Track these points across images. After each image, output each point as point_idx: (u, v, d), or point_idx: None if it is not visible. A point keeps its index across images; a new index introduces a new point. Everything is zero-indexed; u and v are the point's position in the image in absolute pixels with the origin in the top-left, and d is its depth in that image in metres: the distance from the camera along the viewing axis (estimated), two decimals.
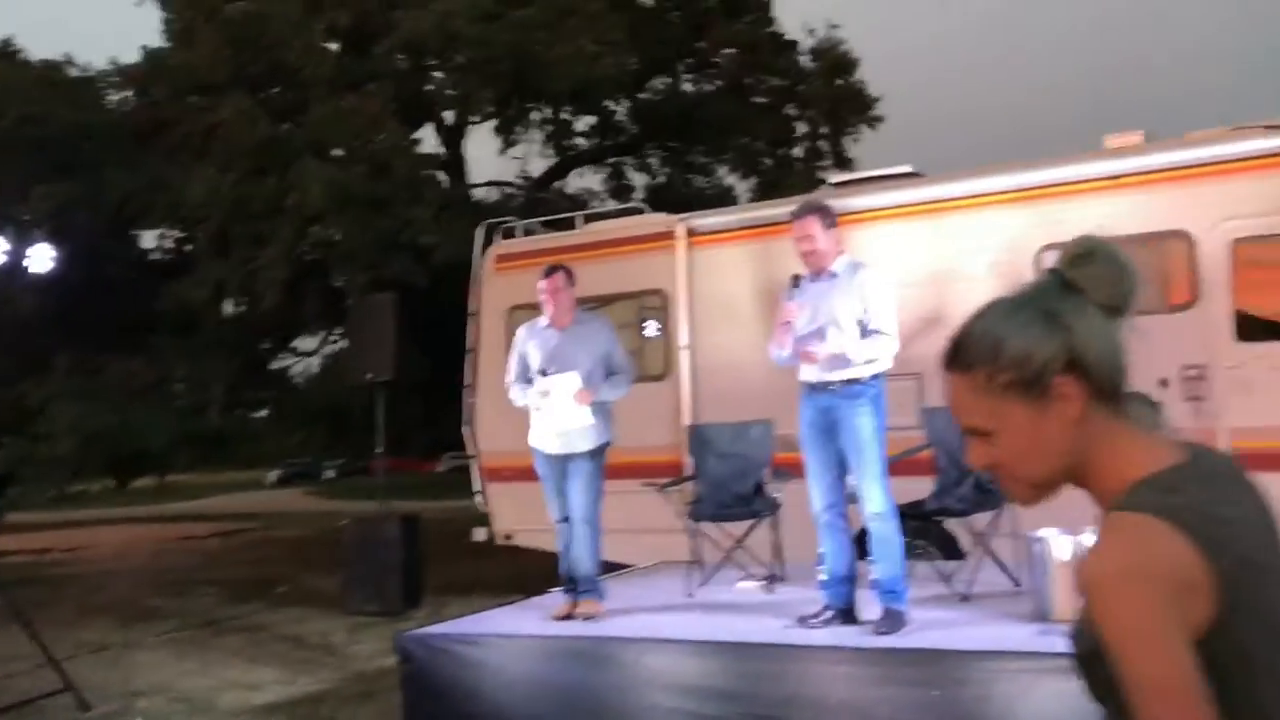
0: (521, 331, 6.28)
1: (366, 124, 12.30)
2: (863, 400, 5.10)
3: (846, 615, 5.23)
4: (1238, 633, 1.37)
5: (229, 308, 16.10)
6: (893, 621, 5.00)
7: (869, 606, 5.20)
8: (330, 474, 62.03)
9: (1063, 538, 5.02)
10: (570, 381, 5.88)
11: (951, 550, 7.03)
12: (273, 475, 60.34)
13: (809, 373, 5.24)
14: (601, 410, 5.98)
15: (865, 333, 5.11)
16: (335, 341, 19.55)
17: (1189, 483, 1.47)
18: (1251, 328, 7.21)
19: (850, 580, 5.26)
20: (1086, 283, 1.53)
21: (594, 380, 5.93)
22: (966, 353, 1.57)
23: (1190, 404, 7.27)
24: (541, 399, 5.94)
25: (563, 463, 6.02)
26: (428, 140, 17.39)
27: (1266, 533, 1.50)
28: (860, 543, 5.41)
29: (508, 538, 9.97)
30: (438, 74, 14.53)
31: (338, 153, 12.56)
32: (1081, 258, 1.56)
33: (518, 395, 6.15)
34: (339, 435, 59.71)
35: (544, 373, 5.98)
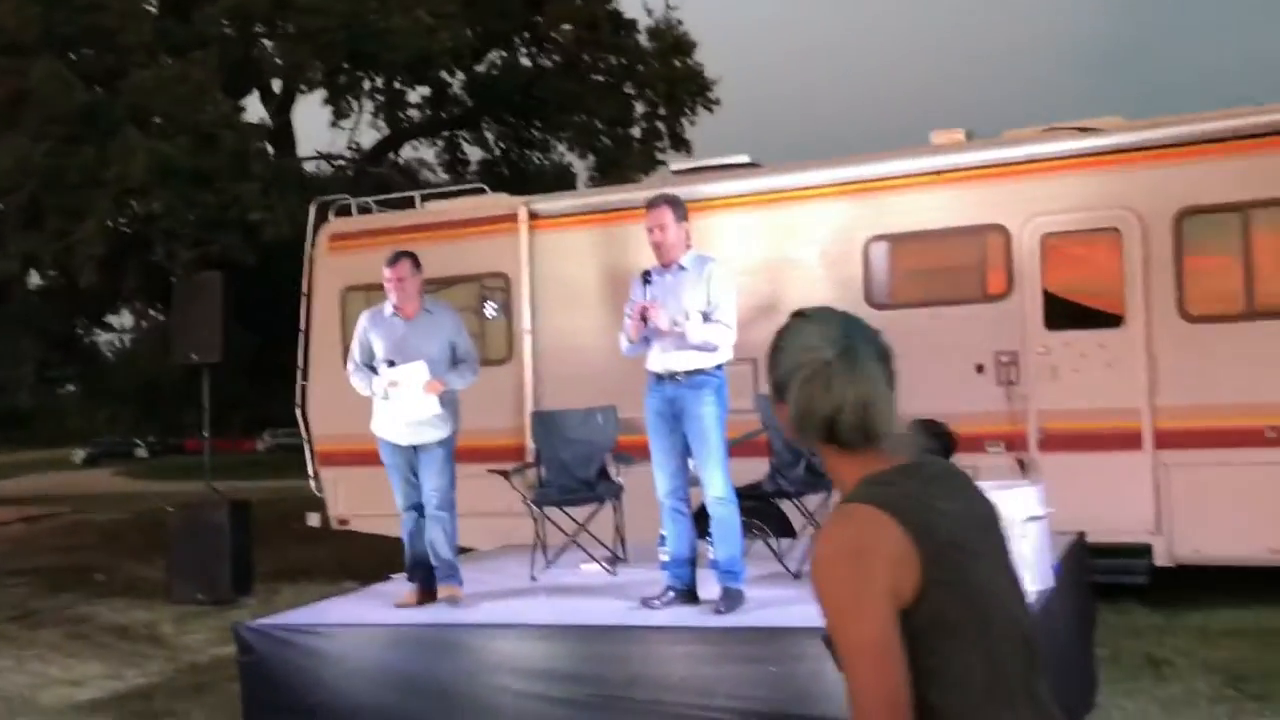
0: (364, 318, 6.17)
1: (191, 93, 11.77)
2: (707, 390, 5.26)
3: (688, 595, 5.40)
4: (939, 603, 1.63)
5: (37, 280, 15.22)
6: (731, 600, 5.20)
7: (709, 586, 5.37)
8: (142, 453, 59.40)
9: None
10: (419, 372, 5.84)
11: (786, 529, 7.31)
12: (80, 454, 57.36)
13: (656, 363, 5.36)
14: (450, 399, 5.96)
15: (708, 320, 5.27)
16: (152, 319, 18.68)
17: (907, 479, 1.75)
18: (1059, 317, 7.74)
19: (691, 562, 5.43)
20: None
21: (441, 370, 5.91)
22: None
23: (1003, 388, 7.77)
24: (389, 389, 5.88)
25: (411, 452, 5.98)
26: (253, 109, 16.79)
27: (979, 524, 1.80)
28: (700, 524, 5.59)
29: (343, 523, 9.84)
30: (266, 42, 13.99)
31: (159, 122, 11.97)
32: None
33: (360, 384, 6.06)
34: (150, 412, 57.35)
35: (390, 363, 5.92)
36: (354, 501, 9.67)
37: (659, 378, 5.36)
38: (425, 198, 10.19)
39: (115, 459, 54.83)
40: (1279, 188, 7.20)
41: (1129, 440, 7.47)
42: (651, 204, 5.43)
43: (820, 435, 1.82)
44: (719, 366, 5.33)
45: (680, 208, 5.39)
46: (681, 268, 5.35)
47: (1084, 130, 7.76)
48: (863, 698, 1.62)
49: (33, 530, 18.84)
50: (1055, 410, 7.66)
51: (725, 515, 5.32)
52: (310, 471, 10.03)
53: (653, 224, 5.36)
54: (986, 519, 1.83)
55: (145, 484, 33.22)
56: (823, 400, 1.80)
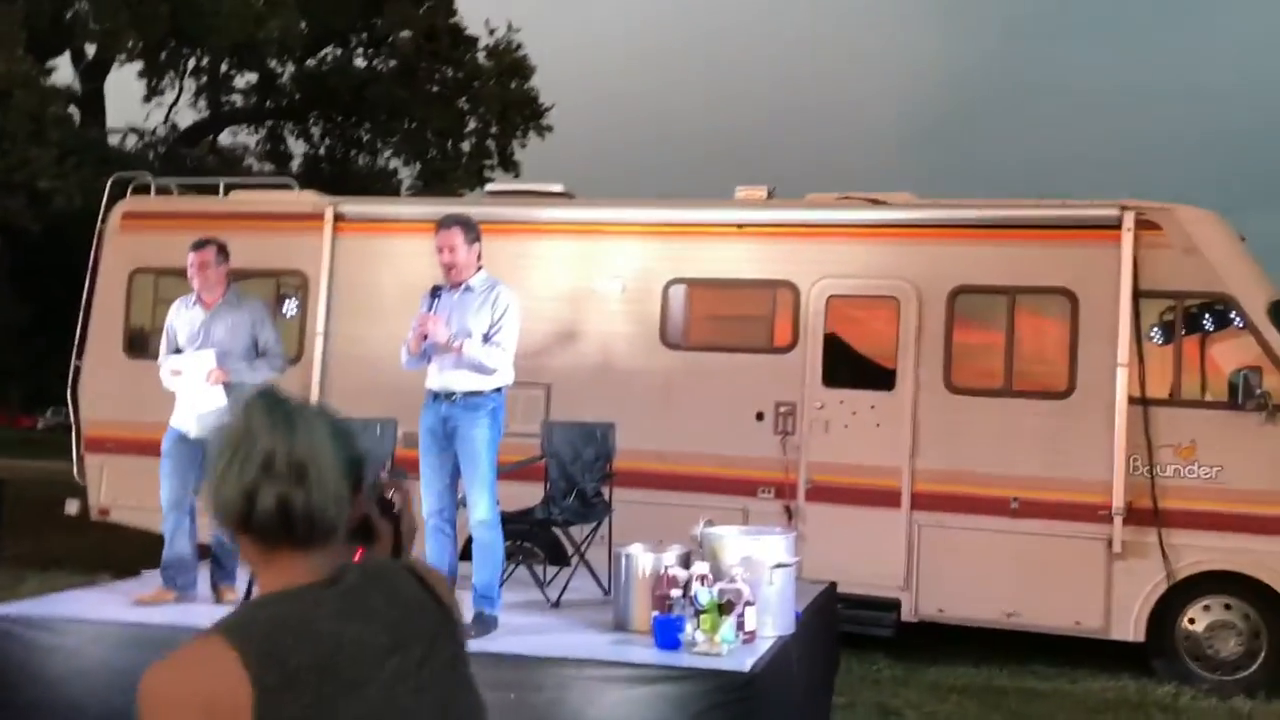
0: (173, 307, 6.04)
1: None
2: (482, 413, 5.29)
3: None
4: None
5: None
6: (483, 625, 5.22)
7: (464, 610, 5.39)
8: None
9: (646, 554, 5.44)
10: (204, 360, 5.70)
11: (558, 555, 7.39)
12: None
13: (434, 380, 5.37)
14: (239, 393, 5.82)
15: (486, 344, 5.31)
16: None
17: (295, 600, 1.50)
18: (837, 374, 8.12)
19: (450, 583, 5.43)
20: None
21: (236, 361, 5.77)
22: None
23: (780, 437, 8.08)
24: (173, 377, 5.71)
25: (197, 446, 5.78)
26: (63, 71, 15.96)
27: (391, 644, 1.54)
28: (466, 547, 5.61)
29: (104, 513, 9.40)
30: (84, 2, 13.35)
31: None
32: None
33: (164, 374, 5.88)
34: None
35: (179, 350, 5.76)
36: (118, 491, 9.25)
37: (435, 395, 5.37)
38: (231, 187, 9.89)
39: None
40: (1042, 276, 7.78)
41: (889, 498, 7.88)
42: (443, 224, 5.45)
43: (234, 519, 1.52)
44: (497, 390, 5.38)
45: (472, 229, 5.42)
46: (469, 288, 5.39)
47: (876, 202, 8.19)
48: None
49: None
50: (825, 462, 8.02)
51: (487, 539, 5.35)
52: (75, 455, 9.54)
53: (443, 244, 5.38)
54: (411, 635, 1.58)
55: None
56: (244, 460, 1.51)
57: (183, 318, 5.92)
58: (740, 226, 8.32)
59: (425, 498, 5.43)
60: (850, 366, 8.23)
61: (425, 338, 5.29)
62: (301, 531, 1.52)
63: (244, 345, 5.88)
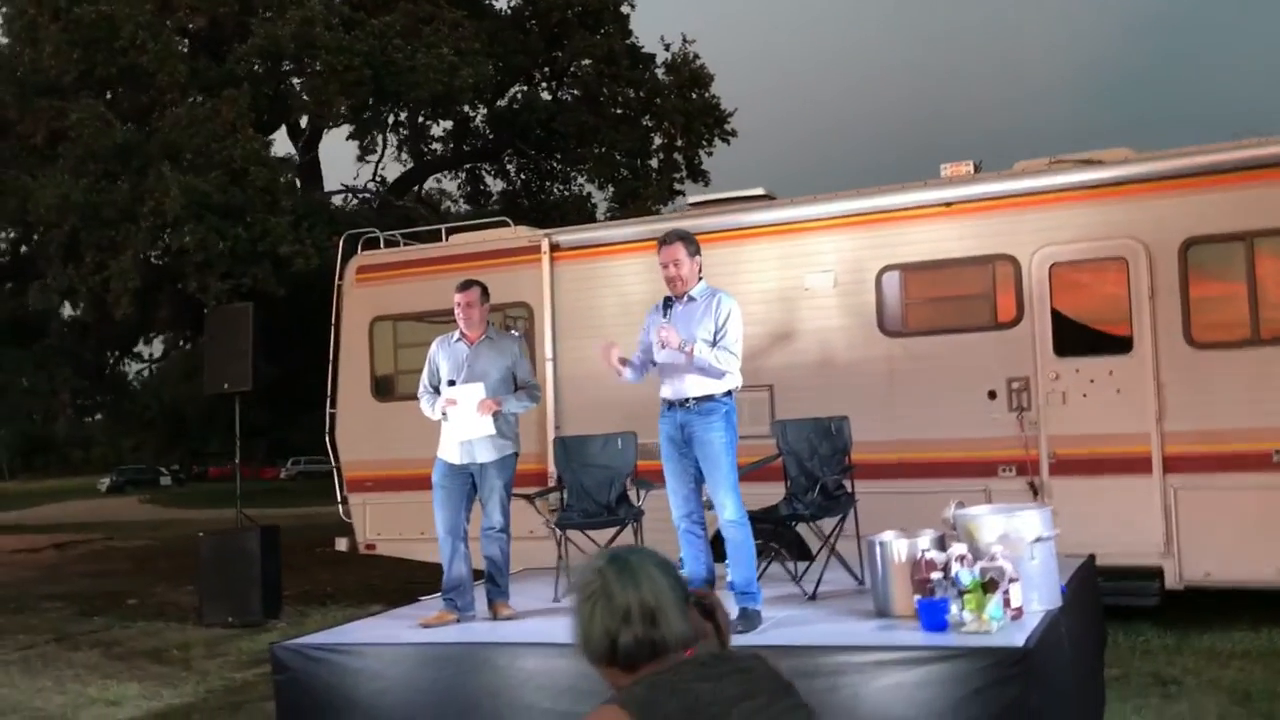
0: (434, 344, 6.52)
1: (223, 129, 12.12)
2: (715, 417, 5.48)
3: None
4: None
5: (68, 312, 15.56)
6: (748, 621, 5.39)
7: (728, 608, 5.56)
8: (166, 480, 59.92)
9: (900, 540, 5.49)
10: (475, 391, 6.13)
11: (803, 552, 7.49)
12: (104, 482, 57.87)
13: (667, 389, 5.60)
14: (507, 423, 6.24)
15: (715, 348, 5.50)
16: (181, 347, 18.98)
17: (666, 673, 1.92)
18: (1068, 343, 7.92)
19: (709, 583, 5.62)
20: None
21: (500, 393, 6.19)
22: None
23: (1016, 413, 7.94)
24: (447, 408, 6.17)
25: (466, 476, 6.21)
26: (281, 145, 17.20)
27: (747, 694, 1.94)
28: (717, 547, 5.79)
29: (370, 547, 10.08)
30: (295, 80, 14.38)
31: (191, 159, 12.32)
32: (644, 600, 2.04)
33: (426, 406, 6.36)
34: (174, 441, 57.86)
35: (452, 383, 6.21)
36: (380, 526, 9.93)
37: (670, 404, 5.60)
38: (450, 231, 10.47)
39: (140, 487, 55.31)
40: (1278, 217, 7.38)
41: (1139, 465, 7.62)
42: (665, 240, 5.67)
43: (600, 657, 1.98)
44: (728, 393, 5.55)
45: (692, 243, 5.63)
46: (692, 299, 5.59)
47: (1090, 162, 7.96)
48: None
49: (64, 556, 19.16)
50: (1066, 435, 7.83)
51: (739, 538, 5.52)
52: (339, 497, 10.28)
53: (666, 259, 5.61)
54: (757, 688, 1.96)
55: (172, 511, 33.55)
56: (606, 613, 1.97)
57: (445, 352, 6.38)
58: (949, 204, 8.23)
59: (673, 503, 5.65)
60: (1082, 334, 8.00)
61: (663, 346, 5.50)
62: (658, 656, 1.96)
63: (503, 378, 6.28)
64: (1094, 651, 6.21)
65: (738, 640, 5.26)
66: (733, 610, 5.49)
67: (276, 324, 13.58)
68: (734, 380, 5.60)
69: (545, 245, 9.45)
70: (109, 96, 13.27)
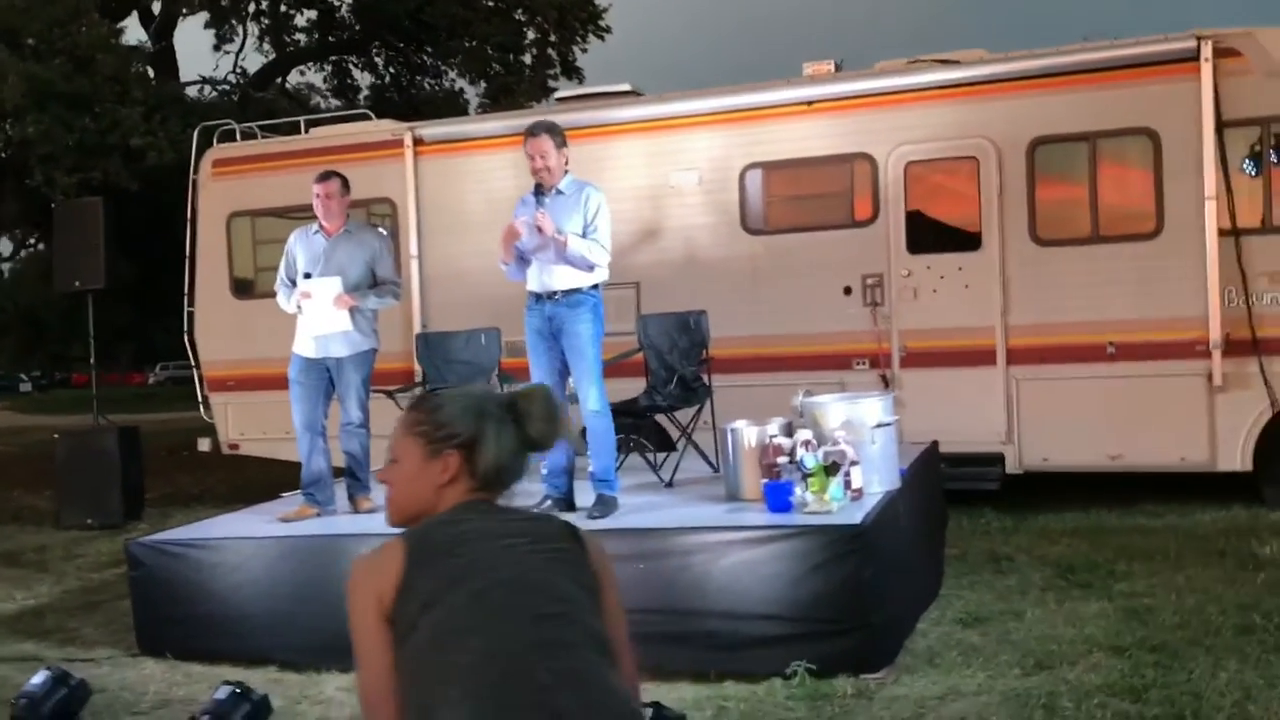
0: (292, 236, 6.39)
1: (65, 13, 11.45)
2: (584, 309, 5.55)
3: (566, 504, 5.72)
4: (421, 592, 1.91)
5: None
6: (605, 506, 5.54)
7: (586, 495, 5.70)
8: (27, 387, 57.62)
9: (750, 428, 5.69)
10: (331, 286, 6.04)
11: (665, 443, 7.69)
12: None
13: (534, 282, 5.64)
14: (365, 318, 6.18)
15: (586, 239, 5.54)
16: (32, 246, 18.14)
17: (453, 512, 2.06)
18: (921, 241, 8.18)
19: (568, 472, 5.75)
20: (525, 414, 2.13)
21: (359, 288, 6.11)
22: (419, 405, 2.17)
23: (869, 309, 8.21)
24: (301, 301, 6.07)
25: (323, 370, 6.15)
26: (133, 32, 16.35)
27: (508, 534, 2.03)
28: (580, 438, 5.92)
29: (234, 447, 9.97)
30: None
31: (33, 44, 11.63)
32: (529, 398, 2.15)
33: (283, 299, 6.25)
34: (34, 345, 55.57)
35: (308, 275, 6.10)
36: (243, 426, 9.81)
37: (538, 297, 5.64)
38: (310, 124, 10.18)
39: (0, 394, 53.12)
40: (1121, 118, 7.69)
41: (984, 356, 7.99)
42: (531, 132, 5.65)
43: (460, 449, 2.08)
44: (595, 287, 5.62)
45: (559, 134, 5.61)
46: (560, 192, 5.60)
47: (947, 63, 8.14)
48: (359, 692, 1.97)
49: None
50: (916, 329, 8.14)
51: (600, 428, 5.64)
52: (200, 398, 10.10)
53: (533, 151, 5.59)
54: (524, 532, 2.04)
55: (32, 418, 32.34)
56: (490, 435, 2.09)
57: (304, 244, 6.25)
58: (810, 103, 8.34)
59: (578, 391, 5.73)
60: (934, 231, 8.27)
61: (540, 231, 5.49)
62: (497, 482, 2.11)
63: (362, 274, 6.19)
64: (933, 531, 6.56)
65: (592, 525, 5.44)
66: (591, 498, 5.64)
67: (133, 221, 13.08)
68: (602, 274, 5.66)
69: (409, 139, 9.28)
70: None
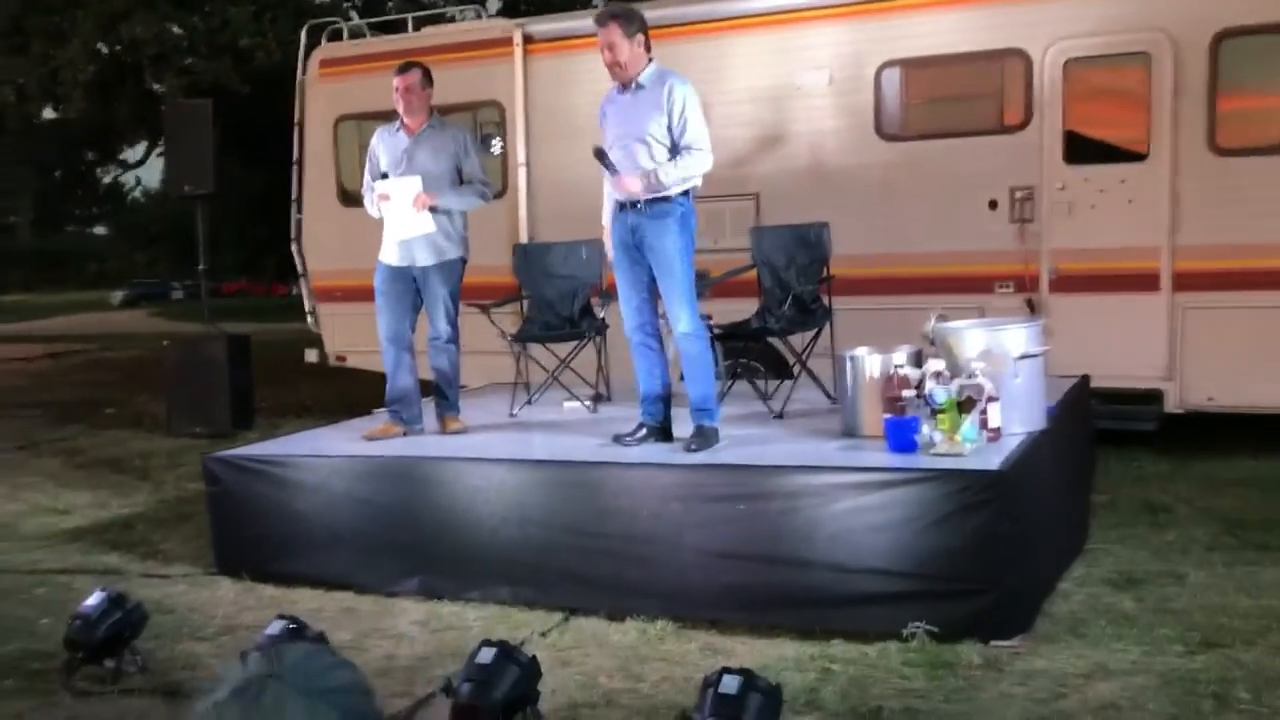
0: (375, 135, 5.97)
1: None
2: (668, 220, 4.95)
3: (661, 433, 5.20)
4: None
5: (44, 113, 14.86)
6: (704, 438, 4.99)
7: (686, 425, 5.17)
8: (179, 295, 59.92)
9: (873, 355, 5.04)
10: (410, 186, 5.61)
11: (780, 369, 7.08)
12: (117, 296, 57.92)
13: (617, 190, 5.07)
14: (451, 223, 5.74)
15: (676, 148, 4.91)
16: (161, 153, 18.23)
17: None
18: (1079, 150, 7.27)
19: (663, 399, 5.21)
20: None
21: (442, 187, 5.66)
22: None
23: (1017, 225, 7.37)
24: (381, 204, 5.65)
25: (408, 278, 5.76)
26: None
27: None
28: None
29: (340, 359, 9.72)
30: None
31: None
32: None
33: (368, 203, 5.88)
34: (184, 256, 57.62)
35: (386, 176, 5.68)
36: (350, 337, 9.51)
37: (621, 206, 5.07)
38: (418, 22, 9.69)
39: (152, 301, 55.29)
40: None
41: (1146, 281, 7.09)
42: (597, 21, 5.06)
43: None
44: (685, 194, 4.99)
45: (631, 21, 4.96)
46: (640, 86, 4.98)
47: None
48: None
49: (57, 366, 19.02)
50: (1070, 249, 7.27)
51: (694, 352, 5.06)
52: (307, 307, 9.87)
53: (601, 44, 4.99)
54: None
55: (177, 324, 33.44)
56: None
57: (386, 143, 5.86)
58: None
59: (624, 313, 5.18)
60: (1095, 139, 7.34)
61: (628, 194, 4.94)
62: None
63: (447, 171, 5.76)
64: (1080, 478, 5.84)
65: (686, 458, 4.91)
66: (689, 428, 5.09)
67: (255, 127, 12.91)
68: (694, 180, 5.03)
69: (518, 37, 8.70)
70: None
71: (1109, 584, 4.73)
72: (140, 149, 17.73)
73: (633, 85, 4.97)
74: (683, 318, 4.98)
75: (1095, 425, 6.80)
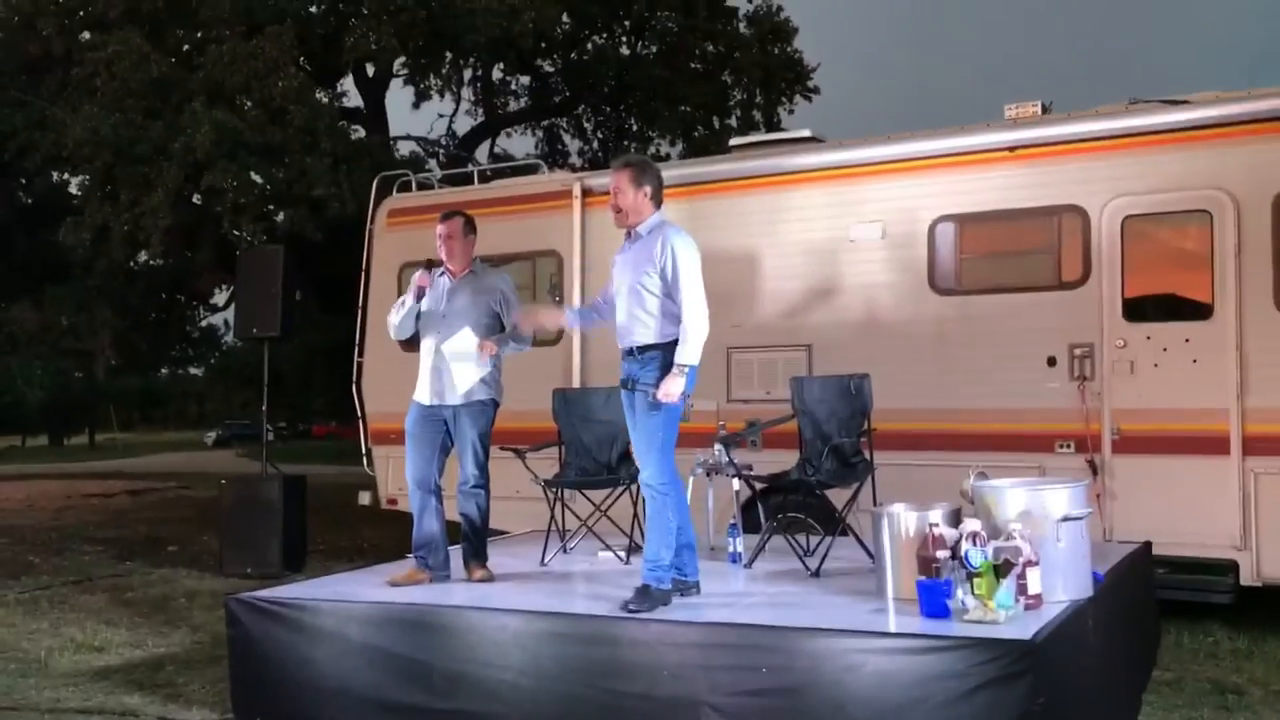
0: (418, 271, 6.04)
1: (266, 67, 11.82)
2: (653, 367, 4.87)
3: (686, 586, 5.02)
4: None
5: (124, 258, 15.45)
6: (646, 599, 4.75)
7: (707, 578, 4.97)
8: (270, 437, 61.25)
9: (909, 512, 4.82)
10: (466, 337, 5.72)
11: (832, 523, 6.84)
12: (210, 436, 59.47)
13: (618, 336, 5.07)
14: (490, 369, 5.77)
15: (673, 302, 4.88)
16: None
17: None
18: (1140, 307, 7.06)
19: (682, 549, 5.04)
20: None
21: (482, 332, 5.74)
22: None
23: (1077, 383, 7.13)
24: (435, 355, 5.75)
25: (436, 420, 5.76)
26: (351, 94, 16.94)
27: None
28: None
29: (392, 503, 9.69)
30: (351, 20, 14.00)
31: (231, 96, 12.04)
32: None
33: (394, 314, 5.95)
34: (278, 398, 59.03)
35: (429, 314, 5.81)
36: (402, 480, 9.47)
37: (623, 352, 5.06)
38: (483, 174, 9.97)
39: (245, 442, 56.60)
40: None
41: (1215, 444, 6.75)
42: (612, 165, 5.13)
43: None
44: (673, 341, 4.91)
45: (642, 173, 5.03)
46: (638, 236, 5.01)
47: (1174, 103, 7.05)
48: None
49: (135, 503, 19.37)
50: (1133, 409, 6.99)
51: (653, 506, 4.93)
52: (364, 450, 9.92)
53: (611, 188, 5.04)
54: None
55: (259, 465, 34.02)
56: None
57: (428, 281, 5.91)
58: (1013, 149, 7.40)
59: (639, 464, 5.08)
60: (1156, 296, 7.13)
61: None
62: None
63: (484, 317, 5.78)
64: (1136, 653, 5.44)
65: (712, 616, 4.69)
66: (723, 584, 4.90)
67: (341, 275, 13.28)
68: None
69: (577, 189, 8.88)
70: (156, 35, 13.05)
71: None
72: (224, 294, 18.38)
73: (634, 235, 5.01)
74: (647, 467, 4.90)
75: (1163, 595, 6.41)
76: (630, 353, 5.00)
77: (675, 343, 4.90)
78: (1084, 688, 4.32)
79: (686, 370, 4.83)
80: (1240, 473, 6.67)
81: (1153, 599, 6.06)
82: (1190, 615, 6.89)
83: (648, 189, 4.99)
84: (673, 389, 4.81)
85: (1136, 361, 6.98)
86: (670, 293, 4.88)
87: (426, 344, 5.84)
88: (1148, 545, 6.07)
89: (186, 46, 13.35)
